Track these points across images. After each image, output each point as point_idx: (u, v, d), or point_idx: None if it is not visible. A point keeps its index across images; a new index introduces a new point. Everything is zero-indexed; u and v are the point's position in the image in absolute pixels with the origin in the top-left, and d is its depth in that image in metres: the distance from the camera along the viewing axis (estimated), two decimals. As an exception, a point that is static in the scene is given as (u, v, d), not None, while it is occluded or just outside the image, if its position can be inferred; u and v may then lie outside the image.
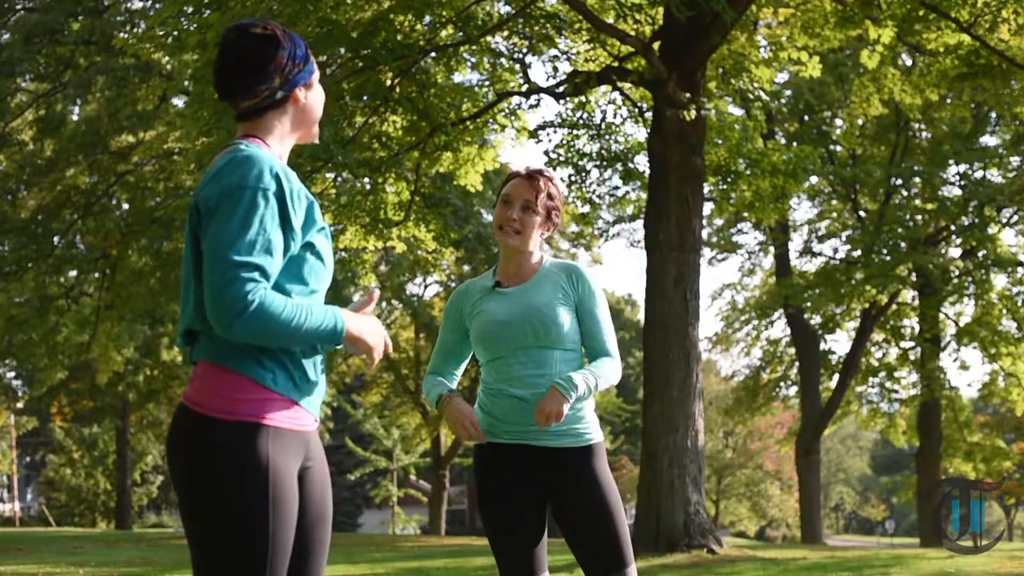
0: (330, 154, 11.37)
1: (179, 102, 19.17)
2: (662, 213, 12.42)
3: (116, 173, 20.92)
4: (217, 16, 10.66)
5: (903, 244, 23.59)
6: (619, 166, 14.28)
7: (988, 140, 24.78)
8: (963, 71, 13.64)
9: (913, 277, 24.29)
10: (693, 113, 11.90)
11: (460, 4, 12.24)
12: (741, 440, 44.12)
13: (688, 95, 11.93)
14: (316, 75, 2.62)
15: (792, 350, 28.16)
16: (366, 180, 13.02)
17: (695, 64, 12.32)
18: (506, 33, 13.46)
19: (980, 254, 24.26)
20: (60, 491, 39.35)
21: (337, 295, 20.35)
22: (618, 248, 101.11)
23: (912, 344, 26.41)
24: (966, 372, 48.32)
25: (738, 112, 17.38)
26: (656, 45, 12.49)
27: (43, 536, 20.25)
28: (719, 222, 27.95)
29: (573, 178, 14.29)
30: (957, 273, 24.80)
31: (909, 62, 20.46)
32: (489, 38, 13.17)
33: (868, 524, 63.08)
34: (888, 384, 27.08)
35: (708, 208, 22.02)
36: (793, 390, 29.31)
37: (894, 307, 26.23)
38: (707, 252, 28.66)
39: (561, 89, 13.13)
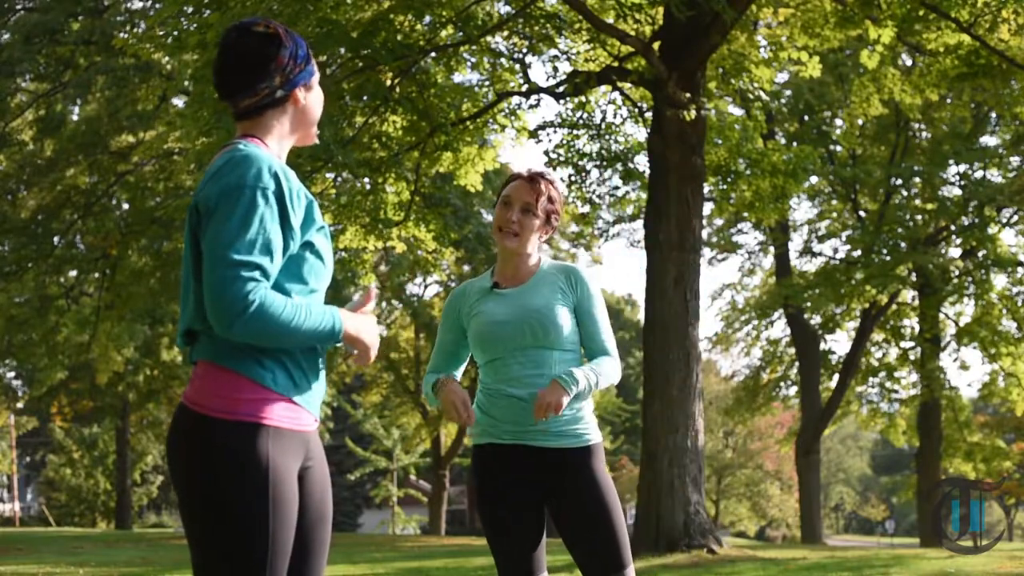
0: (330, 154, 11.37)
1: (179, 102, 19.18)
2: (662, 213, 12.42)
3: (116, 173, 20.93)
4: (217, 16, 10.67)
5: (903, 244, 23.60)
6: (619, 166, 14.28)
7: (988, 140, 24.80)
8: (963, 71, 13.63)
9: (913, 277, 24.30)
10: (693, 113, 11.90)
11: (460, 4, 12.24)
12: (741, 440, 44.12)
13: (688, 95, 11.93)
14: (316, 77, 2.62)
15: (792, 350, 28.16)
16: (366, 180, 13.02)
17: (695, 64, 12.32)
18: (506, 33, 13.46)
19: (980, 254, 24.26)
20: (60, 491, 39.36)
21: (337, 295, 20.35)
22: (618, 248, 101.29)
23: (912, 344, 26.41)
24: (966, 372, 48.36)
25: (738, 112, 17.39)
26: (656, 45, 12.49)
27: (43, 536, 20.25)
28: (719, 222, 27.96)
29: (573, 178, 14.29)
30: (957, 273, 24.80)
31: (909, 62, 20.46)
32: (489, 38, 13.17)
33: (868, 524, 63.09)
34: (888, 384, 27.09)
35: (708, 208, 22.02)
36: (793, 390, 29.31)
37: (894, 307, 26.23)
38: (707, 252, 28.68)
39: (561, 89, 13.13)
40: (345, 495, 41.31)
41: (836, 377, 26.75)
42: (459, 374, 3.58)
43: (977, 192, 23.28)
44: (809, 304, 24.52)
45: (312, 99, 2.61)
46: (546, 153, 14.11)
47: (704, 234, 21.84)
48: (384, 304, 27.31)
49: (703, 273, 18.06)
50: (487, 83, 13.97)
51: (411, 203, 13.29)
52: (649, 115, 13.39)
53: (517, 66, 13.94)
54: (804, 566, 10.38)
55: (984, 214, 23.61)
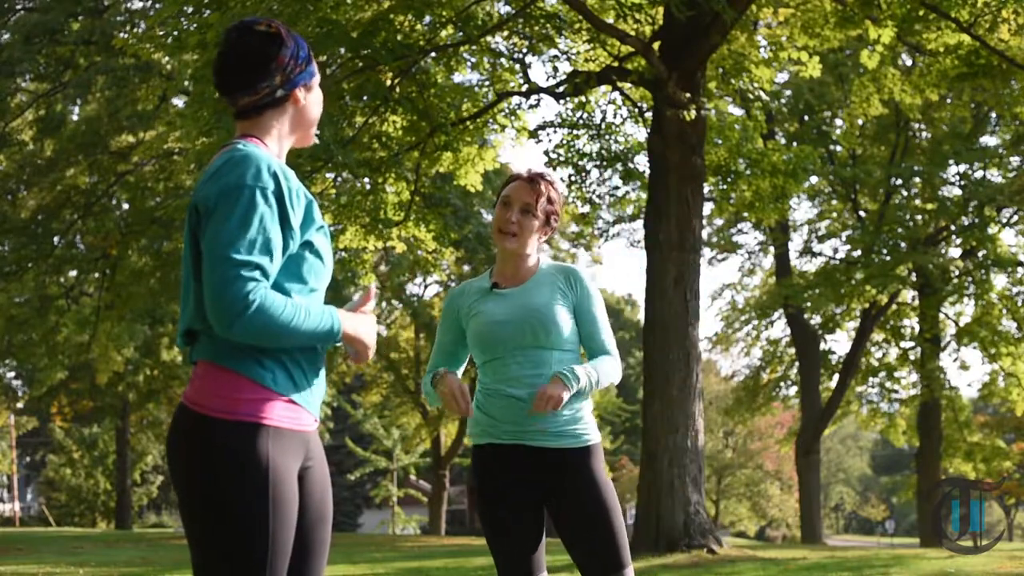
0: (330, 154, 11.37)
1: (179, 102, 19.18)
2: (662, 213, 12.42)
3: (116, 173, 20.93)
4: (217, 16, 10.67)
5: (903, 244, 23.60)
6: (619, 166, 14.28)
7: (988, 140, 24.81)
8: (963, 71, 13.64)
9: (913, 277, 24.30)
10: (693, 113, 11.90)
11: (460, 4, 12.24)
12: (741, 440, 44.12)
13: (688, 95, 11.93)
14: (317, 78, 2.62)
15: (792, 350, 28.16)
16: (366, 180, 13.02)
17: (695, 64, 12.32)
18: (506, 33, 13.46)
19: (980, 254, 24.26)
20: (60, 491, 39.36)
21: (337, 295, 20.35)
22: (618, 248, 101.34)
23: (912, 344, 26.41)
24: (966, 372, 48.35)
25: (738, 112, 17.39)
26: (656, 45, 12.49)
27: (43, 536, 20.25)
28: (719, 222, 27.96)
29: (573, 178, 14.29)
30: (957, 273, 24.80)
31: (909, 62, 20.46)
32: (489, 38, 13.17)
33: (868, 524, 63.09)
34: (888, 384, 27.09)
35: (708, 208, 22.02)
36: (793, 390, 29.31)
37: (894, 307, 26.23)
38: (707, 252, 28.68)
39: (561, 89, 13.13)
40: (345, 495, 41.31)
41: (836, 377, 26.76)
42: (459, 374, 3.58)
43: (977, 192, 23.28)
44: (809, 304, 24.52)
45: (312, 100, 2.61)
46: (546, 153, 14.11)
47: (704, 234, 21.85)
48: (384, 304, 27.30)
49: (703, 273, 18.08)
50: (487, 83, 13.97)
51: (411, 203, 13.29)
52: (649, 115, 13.39)
53: (517, 66, 13.94)
54: (804, 566, 10.38)
55: (984, 214, 23.61)
